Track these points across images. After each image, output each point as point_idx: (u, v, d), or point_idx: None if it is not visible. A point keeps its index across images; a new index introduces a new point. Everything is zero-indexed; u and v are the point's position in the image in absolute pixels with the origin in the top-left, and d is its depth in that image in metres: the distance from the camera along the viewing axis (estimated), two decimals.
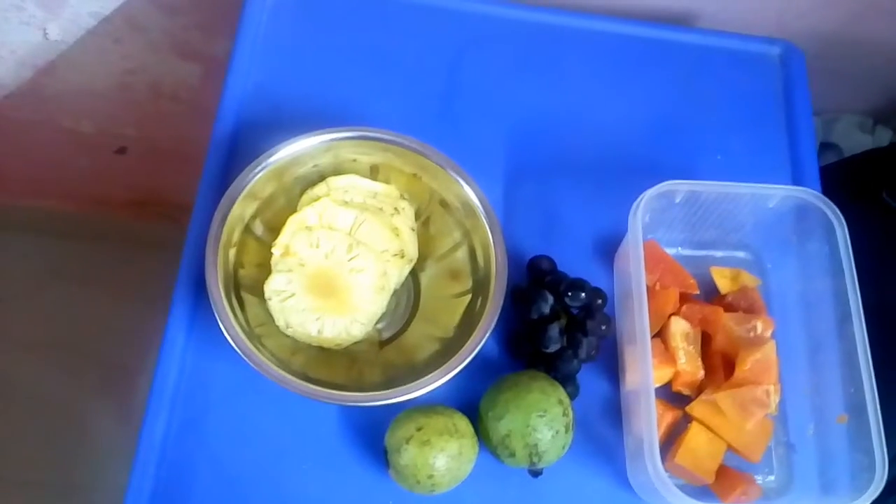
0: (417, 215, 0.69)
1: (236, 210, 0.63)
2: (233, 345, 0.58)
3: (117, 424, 1.33)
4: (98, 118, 1.16)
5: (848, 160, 0.98)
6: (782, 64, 0.84)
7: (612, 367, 0.69)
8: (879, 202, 0.85)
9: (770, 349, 0.65)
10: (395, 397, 0.58)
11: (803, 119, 0.81)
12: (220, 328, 0.59)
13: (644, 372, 0.60)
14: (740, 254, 0.74)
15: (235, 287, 0.64)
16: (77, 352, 1.36)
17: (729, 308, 0.69)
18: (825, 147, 1.03)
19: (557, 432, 0.60)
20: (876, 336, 0.62)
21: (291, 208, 0.66)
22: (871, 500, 0.57)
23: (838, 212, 0.65)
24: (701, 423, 0.65)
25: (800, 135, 0.80)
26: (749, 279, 0.72)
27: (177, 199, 1.36)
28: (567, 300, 0.66)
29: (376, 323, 0.66)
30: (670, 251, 0.72)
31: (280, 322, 0.64)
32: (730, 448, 0.65)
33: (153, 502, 0.61)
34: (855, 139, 1.02)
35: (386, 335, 0.68)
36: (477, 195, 0.65)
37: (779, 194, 0.67)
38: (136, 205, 1.42)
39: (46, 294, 1.41)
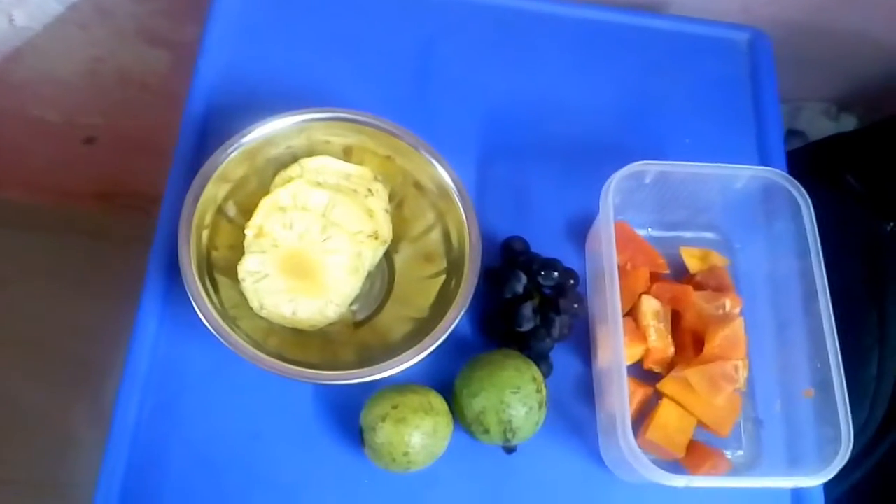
0: (391, 197, 0.69)
1: (209, 191, 0.62)
2: (206, 325, 0.58)
3: (88, 420, 1.31)
4: (65, 107, 1.15)
5: (813, 145, 1.00)
6: (750, 49, 0.85)
7: (585, 346, 0.70)
8: (843, 185, 0.87)
9: (738, 326, 0.66)
10: (369, 375, 0.58)
11: (770, 103, 0.82)
12: (193, 310, 0.59)
13: (616, 350, 0.61)
14: (709, 234, 0.75)
15: (209, 269, 0.63)
16: (44, 348, 1.34)
17: (698, 287, 0.70)
18: (791, 134, 1.04)
19: (531, 409, 0.61)
20: (840, 313, 0.63)
21: (264, 190, 0.66)
22: (836, 471, 0.58)
23: (804, 191, 0.67)
24: (671, 399, 0.66)
25: (767, 118, 0.81)
26: (718, 259, 0.73)
27: (145, 191, 1.35)
28: (540, 280, 0.67)
29: (351, 304, 0.66)
30: (641, 232, 0.73)
31: (254, 303, 0.64)
32: (700, 423, 0.66)
33: (126, 485, 0.61)
34: (820, 126, 1.04)
35: (360, 316, 0.68)
36: (451, 177, 0.66)
37: (746, 174, 0.68)
38: (103, 196, 1.41)
39: (11, 289, 1.39)
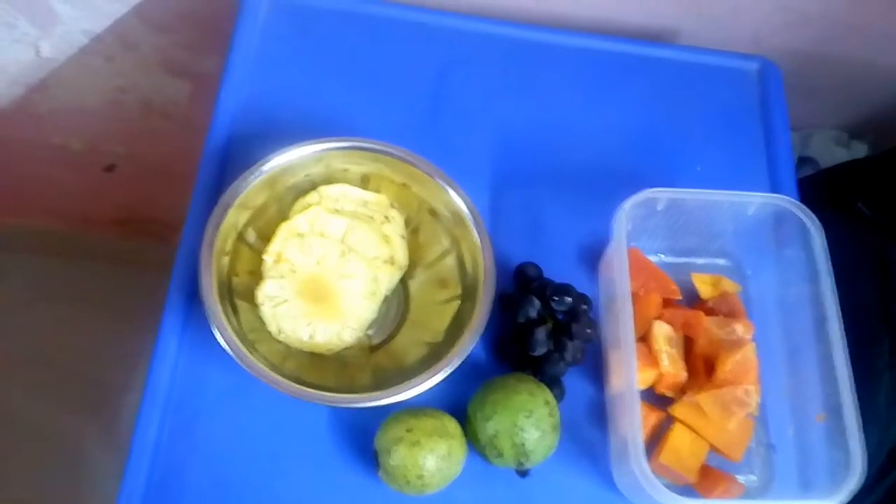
0: (407, 224, 0.70)
1: (230, 218, 0.64)
2: (226, 347, 0.59)
3: (103, 443, 1.32)
4: (88, 136, 1.17)
5: (824, 172, 1.00)
6: (759, 79, 0.86)
7: (598, 371, 0.70)
8: (855, 211, 0.88)
9: (750, 350, 0.67)
10: (385, 398, 0.60)
11: (780, 131, 0.83)
12: (212, 333, 0.60)
13: (628, 375, 0.61)
14: (721, 261, 0.76)
15: (229, 294, 0.65)
16: (62, 371, 1.36)
17: (710, 313, 0.71)
18: (802, 161, 1.05)
19: (544, 432, 0.62)
20: (852, 338, 0.64)
21: (283, 217, 0.68)
22: (849, 496, 0.58)
23: (815, 218, 0.67)
24: (684, 423, 0.67)
25: (777, 146, 0.82)
26: (729, 285, 0.73)
27: (164, 218, 1.37)
28: (553, 305, 0.68)
29: (367, 328, 0.67)
30: (653, 258, 0.74)
31: (272, 327, 0.65)
32: (712, 448, 0.67)
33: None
34: (831, 153, 1.05)
35: (376, 340, 0.69)
36: (465, 204, 0.67)
37: (757, 202, 0.69)
38: (123, 223, 1.43)
39: (31, 313, 1.41)
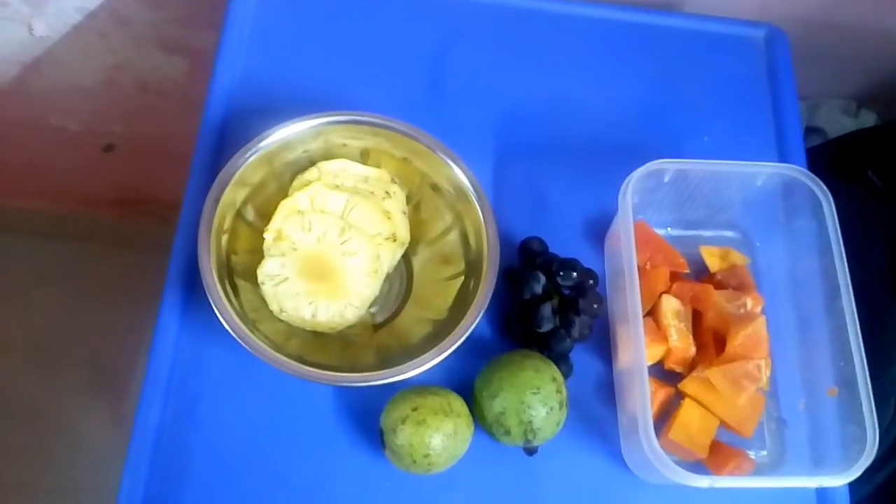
0: (409, 199, 0.69)
1: (227, 196, 0.63)
2: (227, 328, 0.58)
3: (108, 425, 1.32)
4: (85, 115, 1.16)
5: (833, 141, 0.99)
6: (767, 46, 0.85)
7: (605, 347, 0.69)
8: (865, 181, 0.86)
9: (760, 324, 0.66)
10: (389, 377, 0.58)
11: (788, 100, 0.82)
12: (213, 314, 0.59)
13: (636, 350, 0.60)
14: (729, 233, 0.75)
15: (229, 273, 0.64)
16: (64, 353, 1.36)
17: (719, 286, 0.70)
18: (810, 131, 1.03)
19: (551, 409, 0.61)
20: (863, 310, 0.62)
21: (282, 194, 0.67)
22: (862, 471, 0.57)
23: (825, 188, 0.66)
24: (693, 399, 0.66)
25: (785, 115, 0.81)
26: (738, 257, 0.72)
27: (164, 197, 1.36)
28: (559, 280, 0.67)
29: (370, 306, 0.66)
30: (660, 231, 0.73)
31: (274, 307, 0.64)
32: (722, 424, 0.66)
33: (149, 487, 0.61)
34: (839, 122, 1.03)
35: (379, 319, 0.68)
36: (468, 178, 0.66)
37: (766, 172, 0.67)
38: (123, 203, 1.42)
39: (31, 295, 1.40)
